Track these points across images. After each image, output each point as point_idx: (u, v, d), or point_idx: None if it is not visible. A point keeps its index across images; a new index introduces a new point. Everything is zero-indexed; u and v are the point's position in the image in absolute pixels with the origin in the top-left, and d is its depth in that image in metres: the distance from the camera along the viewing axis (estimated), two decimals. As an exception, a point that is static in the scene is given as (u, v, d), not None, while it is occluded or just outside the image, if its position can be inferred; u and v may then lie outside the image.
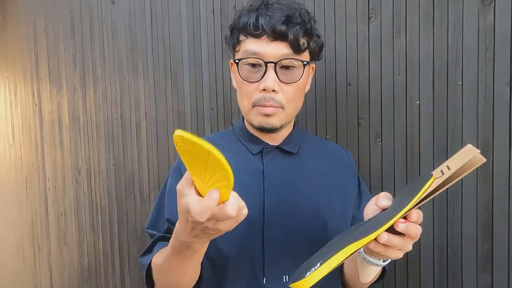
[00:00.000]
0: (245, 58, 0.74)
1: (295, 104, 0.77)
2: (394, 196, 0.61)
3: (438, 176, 0.53)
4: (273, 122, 0.75)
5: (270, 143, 0.81)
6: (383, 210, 0.58)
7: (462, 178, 0.50)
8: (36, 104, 2.31)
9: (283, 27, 0.71)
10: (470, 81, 0.81)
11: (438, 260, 0.87)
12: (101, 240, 1.81)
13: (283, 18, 0.71)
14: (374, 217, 0.59)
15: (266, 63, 0.72)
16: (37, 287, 2.51)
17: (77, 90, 1.90)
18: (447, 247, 0.86)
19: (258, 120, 0.76)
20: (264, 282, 0.73)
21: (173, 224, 0.75)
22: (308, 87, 0.82)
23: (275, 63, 0.72)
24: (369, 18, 0.93)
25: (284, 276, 0.73)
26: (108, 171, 1.73)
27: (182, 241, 0.56)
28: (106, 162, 1.74)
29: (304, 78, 0.76)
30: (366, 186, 0.95)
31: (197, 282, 0.72)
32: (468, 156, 0.48)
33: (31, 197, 2.47)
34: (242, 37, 0.76)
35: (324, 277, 0.76)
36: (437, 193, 0.52)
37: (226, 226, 0.50)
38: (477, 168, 0.50)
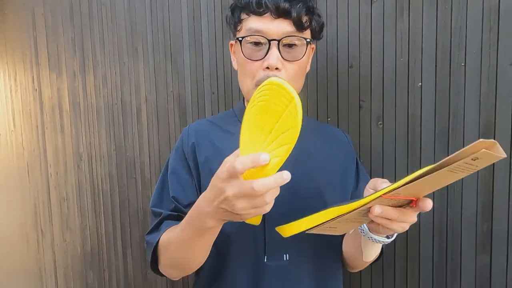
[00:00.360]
0: (248, 36, 0.73)
1: (296, 83, 0.77)
2: (395, 180, 0.61)
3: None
4: None
5: None
6: None
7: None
8: (36, 90, 2.30)
9: (286, 5, 0.70)
10: (473, 62, 0.81)
11: (438, 240, 0.88)
12: (104, 225, 1.83)
13: None
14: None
15: (269, 40, 0.72)
16: (42, 271, 2.55)
17: (77, 75, 1.89)
18: (447, 227, 0.87)
19: None
20: (265, 260, 0.74)
21: (179, 202, 0.76)
22: (308, 67, 0.81)
23: (278, 41, 0.72)
24: (371, -1, 0.92)
25: (284, 255, 0.74)
26: (109, 155, 1.73)
27: (199, 211, 0.58)
28: (107, 147, 1.74)
29: (306, 56, 0.76)
30: (367, 169, 0.95)
31: None
32: (477, 149, 0.45)
33: (33, 182, 2.48)
34: (244, 16, 0.75)
35: (325, 262, 0.78)
36: (443, 180, 0.48)
37: (242, 204, 0.51)
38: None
